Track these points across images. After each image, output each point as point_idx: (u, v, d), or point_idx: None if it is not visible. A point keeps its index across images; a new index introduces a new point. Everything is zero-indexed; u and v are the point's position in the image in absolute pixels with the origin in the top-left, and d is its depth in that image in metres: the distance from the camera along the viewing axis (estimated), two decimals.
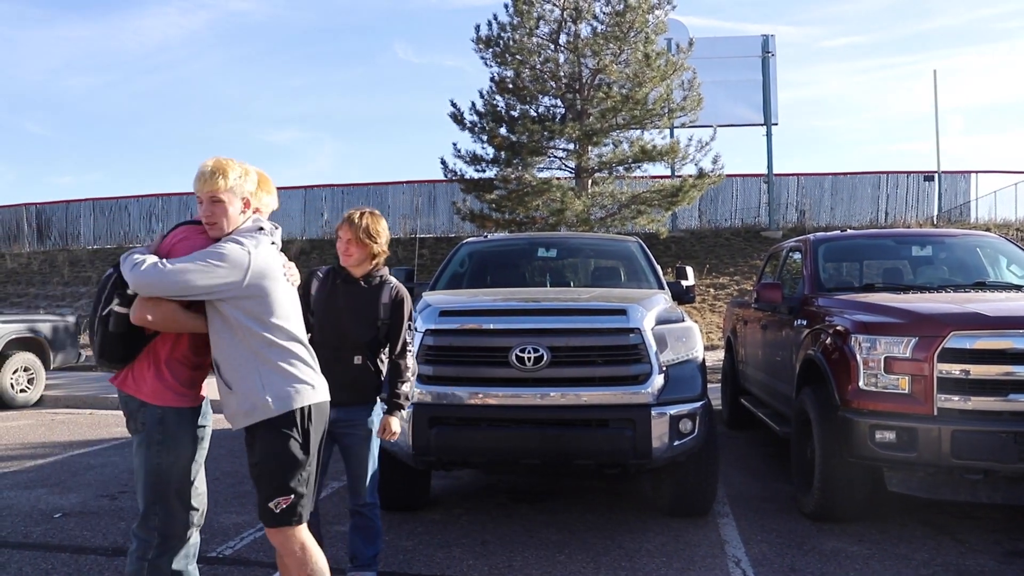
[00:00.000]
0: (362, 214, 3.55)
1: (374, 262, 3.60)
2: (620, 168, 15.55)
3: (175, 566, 2.88)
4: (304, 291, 3.60)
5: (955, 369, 4.05)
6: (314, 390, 2.75)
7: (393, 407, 3.55)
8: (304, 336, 2.82)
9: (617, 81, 14.80)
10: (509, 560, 4.09)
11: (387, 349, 3.63)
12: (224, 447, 7.07)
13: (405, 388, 3.58)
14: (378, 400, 3.64)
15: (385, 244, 3.60)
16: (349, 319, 3.55)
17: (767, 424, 6.11)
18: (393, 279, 3.68)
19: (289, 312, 2.75)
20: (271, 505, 2.65)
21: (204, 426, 2.91)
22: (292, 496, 2.65)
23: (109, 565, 4.05)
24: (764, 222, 20.35)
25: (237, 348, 2.65)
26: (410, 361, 3.64)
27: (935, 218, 21.13)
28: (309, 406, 2.71)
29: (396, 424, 3.55)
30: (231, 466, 6.33)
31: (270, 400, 2.64)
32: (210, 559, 4.13)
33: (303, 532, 2.73)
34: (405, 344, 3.61)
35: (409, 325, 3.63)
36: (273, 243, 2.78)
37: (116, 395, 2.84)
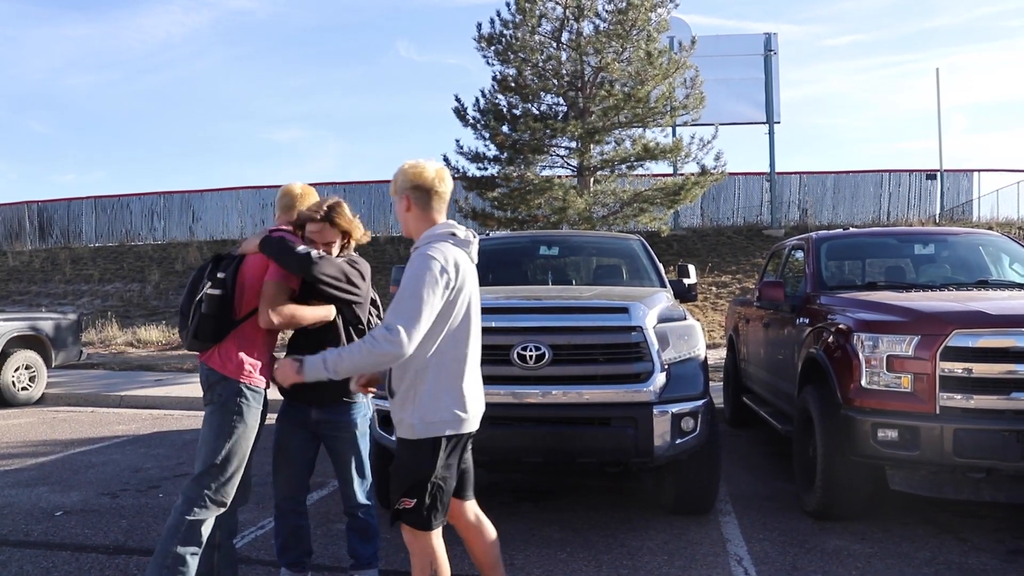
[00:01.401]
0: (333, 208, 3.28)
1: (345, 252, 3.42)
2: (622, 166, 15.52)
3: (220, 542, 3.26)
4: None
5: (958, 367, 4.04)
6: (464, 421, 2.75)
7: None
8: (476, 352, 2.84)
9: (619, 79, 14.77)
10: (511, 558, 4.08)
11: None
12: None
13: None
14: (363, 397, 3.49)
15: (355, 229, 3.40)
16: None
17: (769, 422, 6.10)
18: (354, 255, 3.47)
19: (471, 328, 2.77)
20: (397, 506, 2.74)
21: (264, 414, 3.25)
22: (415, 501, 2.70)
23: (110, 563, 4.05)
24: (766, 220, 20.33)
25: (410, 360, 2.63)
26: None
27: (937, 217, 21.11)
28: (451, 436, 2.72)
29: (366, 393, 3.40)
30: None
31: (415, 424, 2.66)
32: None
33: (434, 538, 2.77)
34: (377, 306, 3.56)
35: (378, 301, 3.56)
36: (467, 253, 2.78)
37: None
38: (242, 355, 3.08)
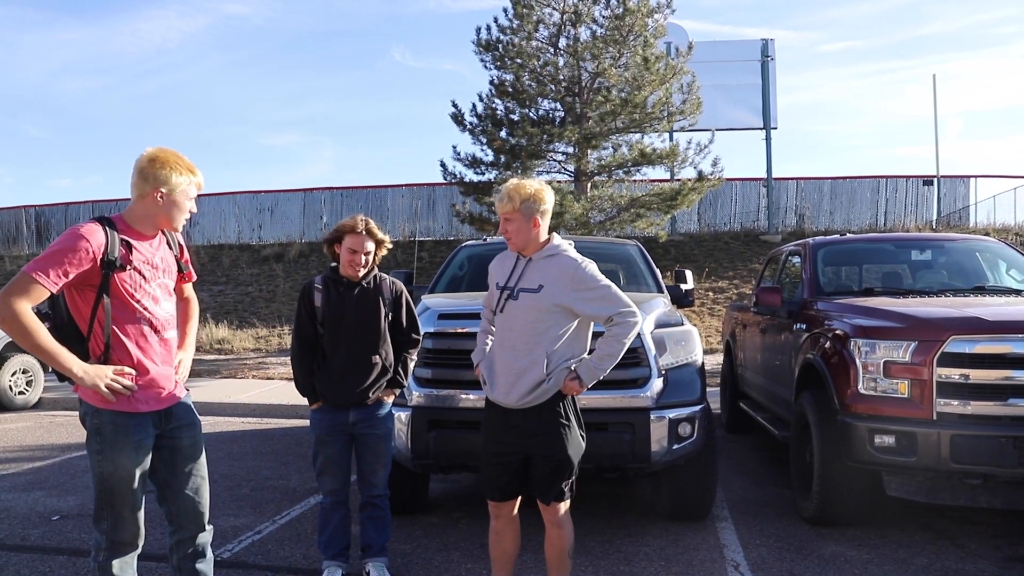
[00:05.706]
0: (368, 221, 3.75)
1: (376, 265, 3.88)
2: (619, 171, 15.56)
3: (199, 566, 2.88)
4: (308, 304, 3.70)
5: (954, 373, 4.05)
6: None
7: (394, 383, 3.86)
8: None
9: (616, 85, 14.81)
10: None
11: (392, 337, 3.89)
12: (222, 450, 7.06)
13: (410, 366, 3.98)
14: (389, 399, 3.90)
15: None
16: (363, 324, 3.75)
17: (766, 428, 6.10)
18: (382, 273, 3.94)
19: None
20: (565, 487, 3.31)
21: (172, 435, 2.78)
22: (574, 479, 3.27)
23: None
24: (763, 226, 20.36)
25: (577, 338, 3.18)
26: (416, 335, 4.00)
27: (934, 222, 21.15)
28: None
29: (389, 399, 3.88)
30: (228, 469, 6.31)
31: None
32: None
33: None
34: (414, 322, 3.95)
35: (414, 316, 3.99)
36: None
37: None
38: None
